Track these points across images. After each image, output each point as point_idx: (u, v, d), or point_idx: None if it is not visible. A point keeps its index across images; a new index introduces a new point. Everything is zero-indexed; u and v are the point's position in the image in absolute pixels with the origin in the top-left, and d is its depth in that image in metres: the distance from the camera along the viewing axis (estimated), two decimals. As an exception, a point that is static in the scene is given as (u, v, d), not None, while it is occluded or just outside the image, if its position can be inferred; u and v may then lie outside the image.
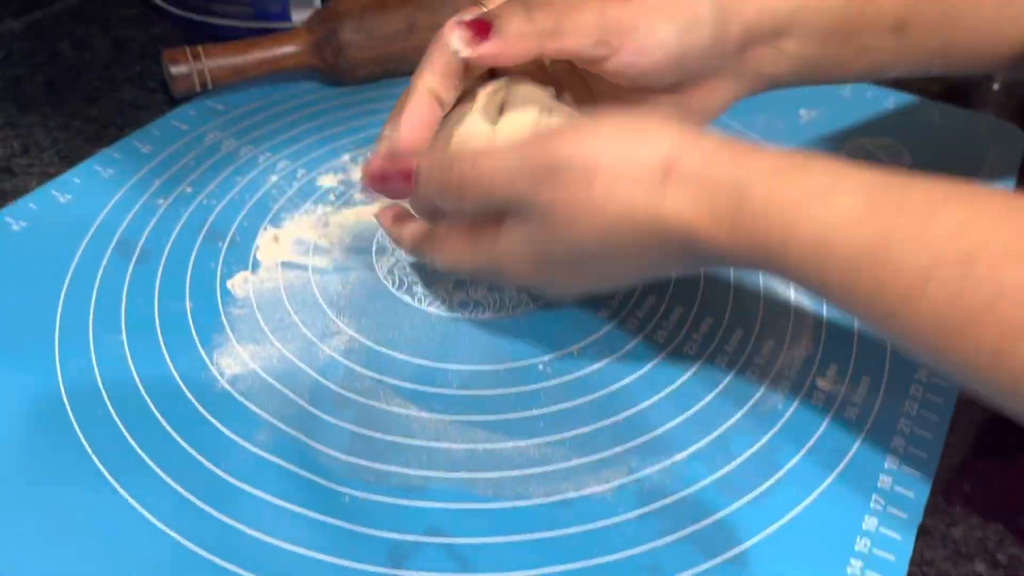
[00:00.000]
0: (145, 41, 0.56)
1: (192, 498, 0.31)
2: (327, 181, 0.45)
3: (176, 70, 0.47)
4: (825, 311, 0.39)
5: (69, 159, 0.46)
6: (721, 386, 0.35)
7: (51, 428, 0.33)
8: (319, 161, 0.46)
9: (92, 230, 0.41)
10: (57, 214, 0.42)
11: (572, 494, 0.31)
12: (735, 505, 0.31)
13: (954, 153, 0.49)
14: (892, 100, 0.53)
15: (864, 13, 0.36)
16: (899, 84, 0.55)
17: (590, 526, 0.30)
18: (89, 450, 0.32)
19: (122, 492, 0.31)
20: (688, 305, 0.39)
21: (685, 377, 0.36)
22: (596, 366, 0.36)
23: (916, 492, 0.32)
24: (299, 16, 0.55)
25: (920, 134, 0.50)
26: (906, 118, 0.52)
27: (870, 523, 0.31)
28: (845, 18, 0.35)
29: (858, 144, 0.49)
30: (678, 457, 0.33)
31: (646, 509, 0.31)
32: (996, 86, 0.56)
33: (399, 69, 0.52)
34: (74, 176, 0.45)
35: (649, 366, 0.36)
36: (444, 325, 0.38)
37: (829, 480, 0.32)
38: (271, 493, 0.31)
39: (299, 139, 0.48)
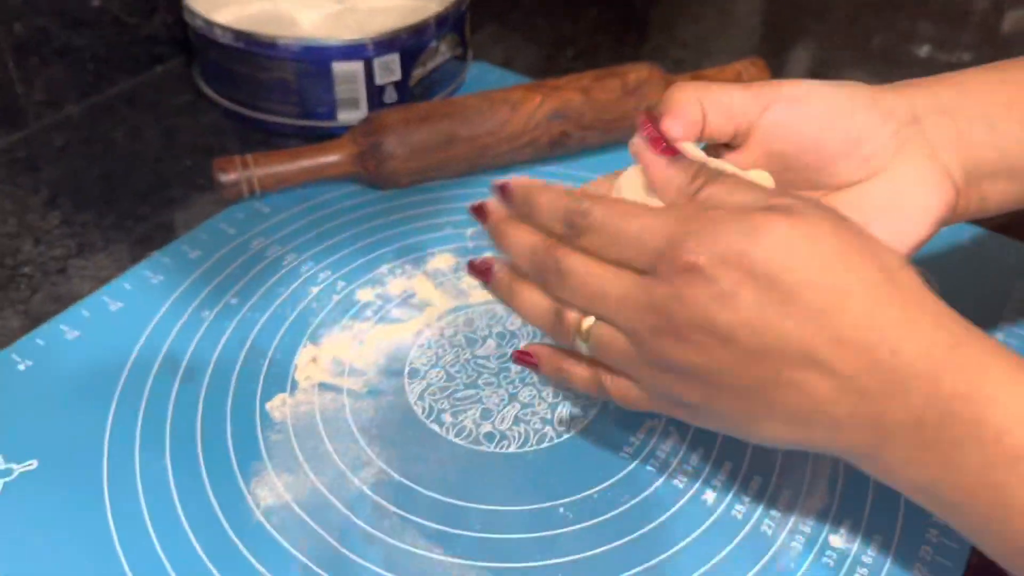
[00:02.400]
0: (196, 131, 0.59)
1: (226, 638, 0.32)
2: (365, 296, 0.47)
3: (226, 179, 0.49)
4: (842, 462, 0.40)
5: (120, 262, 0.49)
6: (739, 538, 0.36)
7: (97, 554, 0.35)
8: (358, 273, 0.48)
9: (141, 343, 0.43)
10: (109, 323, 0.45)
11: (586, 653, 0.33)
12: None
13: (982, 283, 0.49)
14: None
15: None
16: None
17: None
18: (131, 583, 0.34)
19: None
20: (708, 447, 0.40)
21: (704, 527, 0.37)
22: (615, 512, 0.37)
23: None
24: (345, 116, 0.57)
25: (948, 259, 0.51)
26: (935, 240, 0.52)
27: None
28: None
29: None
30: (691, 616, 0.34)
31: (657, 673, 0.32)
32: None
33: (438, 176, 0.54)
34: (125, 282, 0.47)
35: (668, 514, 0.37)
36: (469, 457, 0.39)
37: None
38: (300, 637, 0.33)
39: (340, 248, 0.50)
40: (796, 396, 0.29)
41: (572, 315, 0.32)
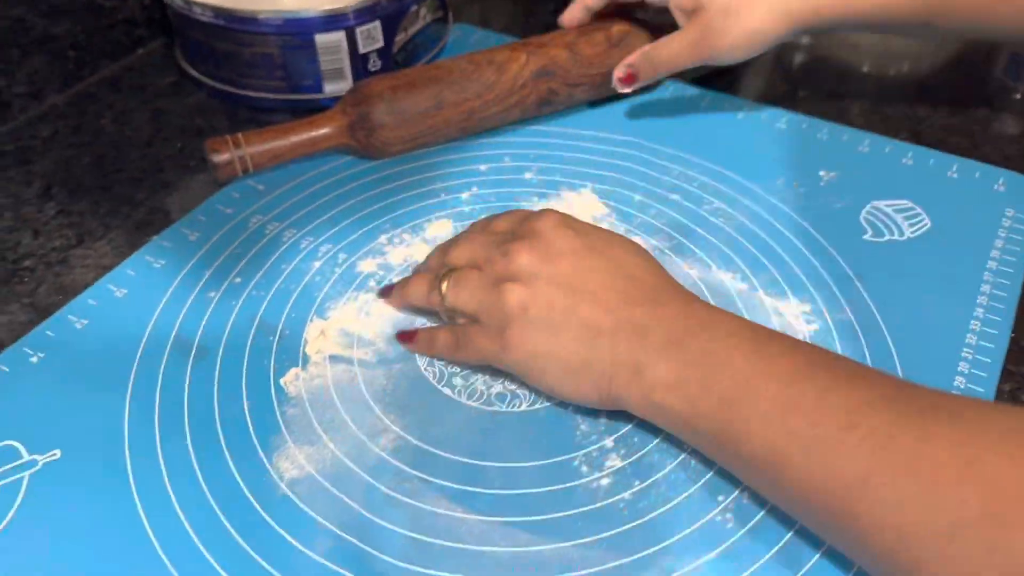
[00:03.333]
0: (183, 113, 0.59)
1: (262, 607, 0.34)
2: (366, 266, 0.47)
3: (218, 159, 0.50)
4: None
5: (121, 248, 0.49)
6: (747, 478, 0.38)
7: (128, 537, 0.36)
8: (358, 244, 0.49)
9: (150, 327, 0.44)
10: (116, 310, 0.45)
11: (611, 597, 0.34)
12: (762, 605, 0.33)
13: (972, 211, 0.50)
14: (911, 155, 0.54)
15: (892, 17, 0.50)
16: (917, 138, 0.56)
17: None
18: (167, 563, 0.35)
19: (199, 603, 0.34)
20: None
21: (711, 473, 0.38)
22: (630, 460, 0.38)
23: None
24: (331, 88, 0.57)
25: (939, 192, 0.51)
26: (925, 175, 0.53)
27: (889, 620, 0.33)
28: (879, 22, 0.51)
29: (877, 208, 0.50)
30: (709, 556, 0.35)
31: (680, 612, 0.33)
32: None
33: (429, 143, 0.54)
34: (128, 268, 0.47)
35: (677, 461, 0.38)
36: (483, 418, 0.40)
37: (852, 574, 0.34)
38: (334, 601, 0.34)
39: (338, 220, 0.50)
40: (593, 309, 0.38)
41: (436, 276, 0.43)
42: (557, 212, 0.42)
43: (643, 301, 0.38)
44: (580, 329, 0.37)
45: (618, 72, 0.55)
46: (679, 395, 0.35)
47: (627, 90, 0.55)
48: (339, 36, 0.55)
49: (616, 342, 0.37)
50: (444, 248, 0.45)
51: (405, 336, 0.43)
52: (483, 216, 0.47)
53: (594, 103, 0.59)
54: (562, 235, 0.40)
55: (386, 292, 0.46)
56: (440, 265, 0.44)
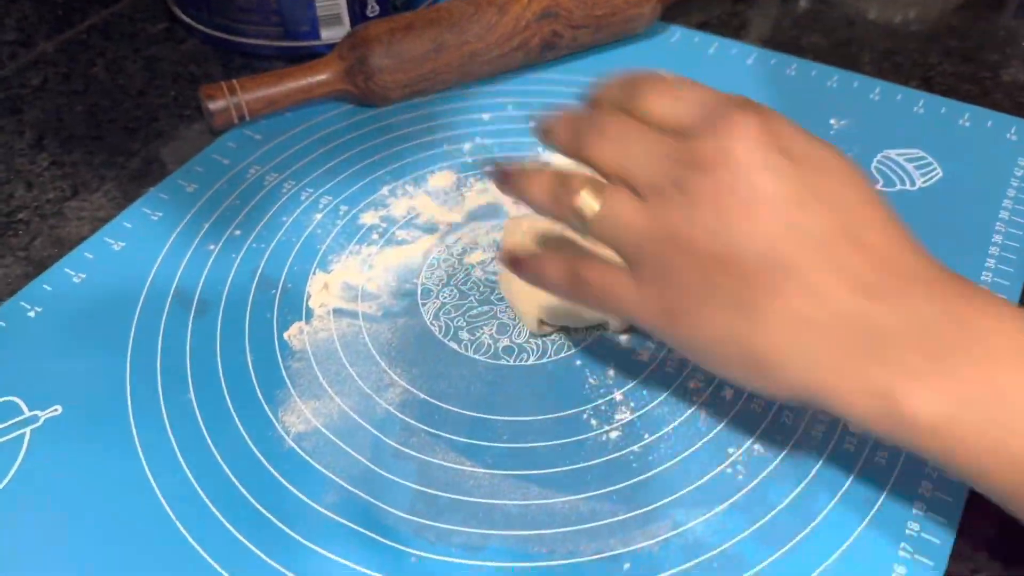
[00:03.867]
0: (176, 60, 0.57)
1: (270, 561, 0.33)
2: (369, 218, 0.46)
3: (214, 106, 0.48)
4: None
5: (116, 200, 0.48)
6: (758, 432, 0.37)
7: (133, 491, 0.35)
8: (360, 195, 0.48)
9: (149, 281, 0.43)
10: (114, 263, 0.44)
11: (621, 549, 0.34)
12: (772, 557, 0.33)
13: (984, 161, 0.49)
14: (922, 103, 0.53)
15: None
16: (928, 86, 0.55)
17: (639, 581, 0.33)
18: (172, 516, 0.34)
19: (207, 558, 0.33)
20: (723, 342, 0.41)
21: (723, 424, 0.38)
22: (638, 414, 0.38)
23: (942, 539, 0.34)
24: (328, 34, 0.55)
25: (950, 141, 0.50)
26: (936, 123, 0.52)
27: (899, 571, 0.33)
28: None
29: (888, 158, 0.49)
30: (719, 508, 0.35)
31: (691, 564, 0.33)
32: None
33: (429, 89, 0.53)
34: (125, 220, 0.46)
35: (687, 414, 0.38)
36: (490, 372, 0.40)
37: (860, 528, 0.34)
38: (341, 555, 0.33)
39: (338, 171, 0.49)
40: (803, 296, 0.28)
41: (579, 180, 0.31)
42: (756, 115, 0.29)
43: (880, 287, 0.28)
44: (783, 324, 0.28)
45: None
46: (951, 442, 0.27)
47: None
48: (336, -20, 0.54)
49: (836, 347, 0.27)
50: (576, 126, 0.32)
51: (515, 261, 0.34)
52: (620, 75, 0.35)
53: (597, 48, 0.57)
54: (766, 171, 0.28)
55: (500, 176, 0.34)
56: (576, 162, 0.33)
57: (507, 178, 0.34)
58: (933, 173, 0.49)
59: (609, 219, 0.30)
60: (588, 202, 0.31)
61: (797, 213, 0.28)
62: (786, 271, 0.28)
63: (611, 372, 0.39)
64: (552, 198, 0.32)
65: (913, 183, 0.48)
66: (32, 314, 0.42)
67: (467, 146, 0.51)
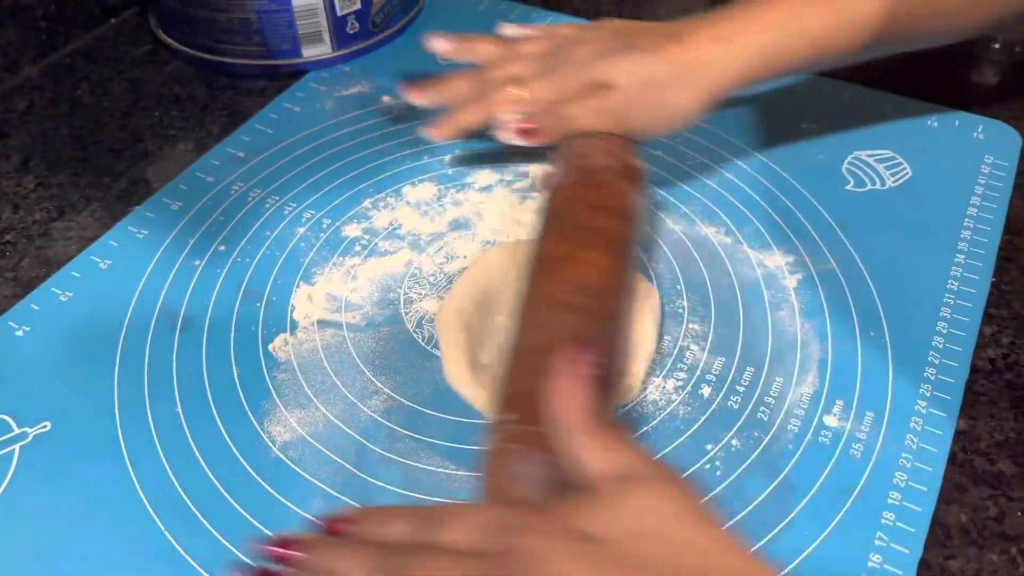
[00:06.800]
0: (160, 82, 0.58)
1: (260, 568, 0.34)
2: (351, 231, 0.47)
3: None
4: (830, 347, 0.41)
5: (103, 220, 0.48)
6: (736, 426, 0.38)
7: (123, 504, 0.36)
8: (342, 209, 0.48)
9: (135, 297, 0.44)
10: (100, 282, 0.45)
11: (603, 546, 0.34)
12: (751, 549, 0.34)
13: (952, 160, 0.50)
14: (891, 104, 0.54)
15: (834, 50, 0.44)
16: (898, 88, 0.56)
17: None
18: (162, 528, 0.35)
19: (197, 567, 0.34)
20: (701, 345, 0.41)
21: (703, 420, 0.38)
22: (618, 412, 0.39)
23: (917, 527, 0.35)
24: (309, 52, 0.56)
25: (919, 142, 0.52)
26: (905, 124, 0.53)
27: (875, 560, 0.34)
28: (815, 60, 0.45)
29: (859, 158, 0.50)
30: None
31: (671, 558, 0.34)
32: (993, 79, 0.57)
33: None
34: (111, 240, 0.47)
35: (667, 411, 0.39)
36: (473, 377, 0.40)
37: (836, 519, 0.35)
38: (330, 559, 0.34)
39: (320, 185, 0.50)
40: None
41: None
42: (537, 531, 0.27)
43: None
44: None
45: (520, 123, 0.45)
46: None
47: (521, 143, 0.46)
48: (315, -1, 0.55)
49: None
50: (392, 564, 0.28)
51: None
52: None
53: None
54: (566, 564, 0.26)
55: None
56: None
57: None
58: (903, 173, 0.50)
59: None
60: None
61: None
62: None
63: (591, 374, 0.40)
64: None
65: (883, 183, 0.49)
66: (20, 333, 0.42)
67: (447, 157, 0.52)
